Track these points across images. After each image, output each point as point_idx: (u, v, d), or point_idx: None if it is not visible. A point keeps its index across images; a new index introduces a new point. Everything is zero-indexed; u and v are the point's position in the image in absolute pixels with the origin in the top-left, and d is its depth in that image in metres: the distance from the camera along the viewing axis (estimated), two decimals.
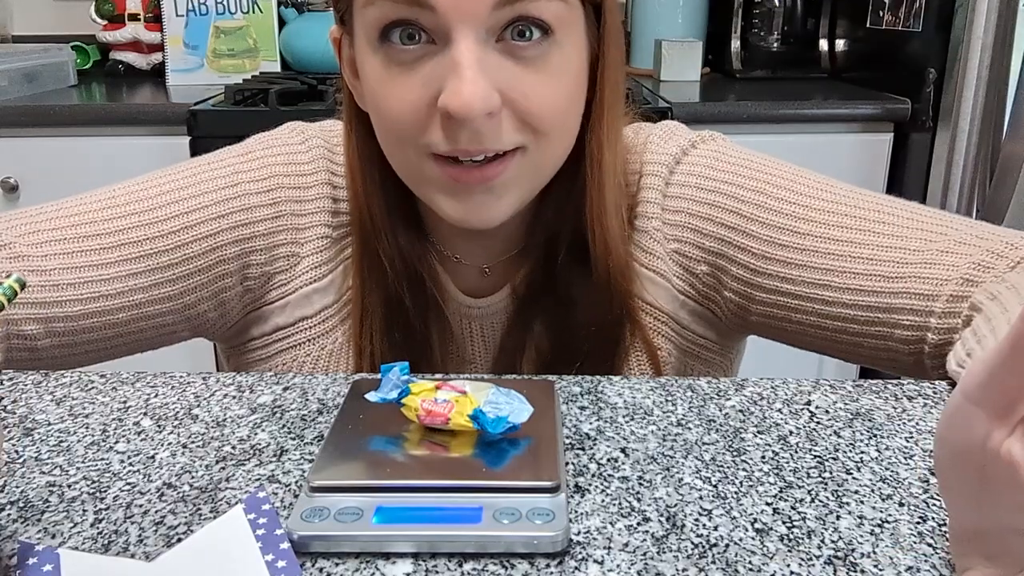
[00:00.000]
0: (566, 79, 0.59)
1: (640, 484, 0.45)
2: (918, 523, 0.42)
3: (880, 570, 0.38)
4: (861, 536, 0.41)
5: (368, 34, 0.58)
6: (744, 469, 0.46)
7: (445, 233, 0.69)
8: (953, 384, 0.55)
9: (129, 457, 0.48)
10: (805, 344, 0.67)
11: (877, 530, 0.41)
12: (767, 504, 0.43)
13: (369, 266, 0.67)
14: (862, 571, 0.38)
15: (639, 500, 0.43)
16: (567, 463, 0.47)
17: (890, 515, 0.42)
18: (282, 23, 1.98)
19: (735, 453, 0.48)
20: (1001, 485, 0.32)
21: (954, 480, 0.35)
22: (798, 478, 0.45)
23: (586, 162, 0.64)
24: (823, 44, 2.02)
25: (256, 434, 0.50)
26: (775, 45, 1.99)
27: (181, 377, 0.58)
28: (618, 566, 0.38)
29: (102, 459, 0.47)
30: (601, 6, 0.61)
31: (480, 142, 0.56)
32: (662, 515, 0.42)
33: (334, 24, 0.67)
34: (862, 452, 0.48)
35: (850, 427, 0.51)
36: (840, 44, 1.99)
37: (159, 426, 0.51)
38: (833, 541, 0.40)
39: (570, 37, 0.59)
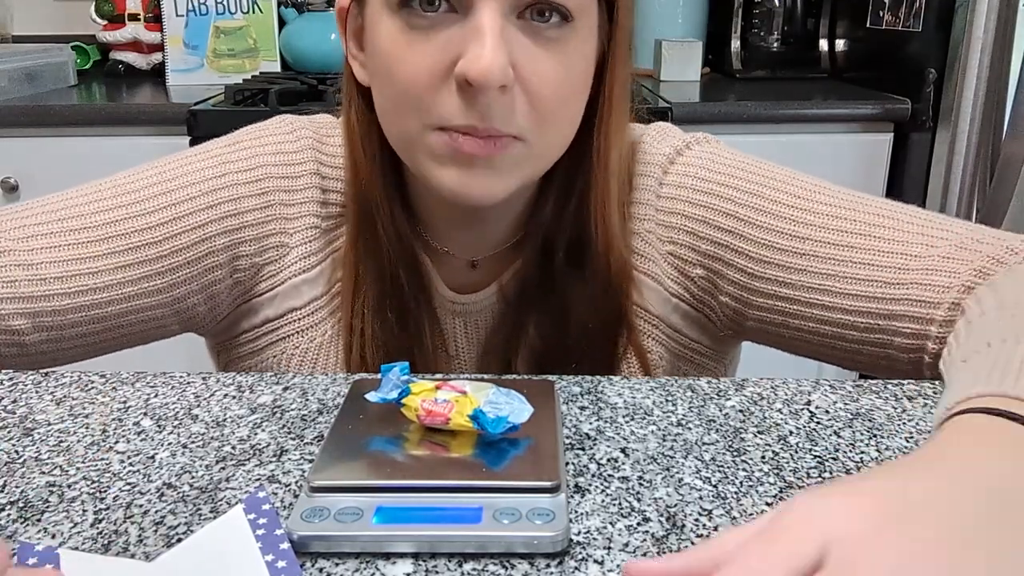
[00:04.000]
0: (577, 67, 0.59)
1: (640, 484, 0.45)
2: None
3: None
4: None
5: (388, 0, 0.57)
6: (744, 469, 0.46)
7: (436, 222, 0.69)
8: None
9: (129, 457, 0.48)
10: (802, 351, 0.66)
11: None
12: (767, 504, 0.43)
13: (365, 243, 0.66)
14: None
15: (639, 500, 0.43)
16: (567, 463, 0.47)
17: None
18: (282, 23, 1.98)
19: (735, 453, 0.48)
20: None
21: None
22: (798, 478, 0.45)
23: (592, 158, 0.64)
24: (823, 44, 2.02)
25: (256, 434, 0.50)
26: (775, 45, 1.99)
27: (181, 377, 0.58)
28: (618, 566, 0.38)
29: (102, 459, 0.47)
30: (615, 4, 0.61)
31: (490, 119, 0.56)
32: (662, 515, 0.42)
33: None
34: (862, 452, 0.48)
35: (850, 427, 0.51)
36: (840, 44, 1.99)
37: (159, 426, 0.51)
38: None
39: (586, 28, 0.59)
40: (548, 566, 0.38)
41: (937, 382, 0.57)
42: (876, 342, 0.61)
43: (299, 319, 0.68)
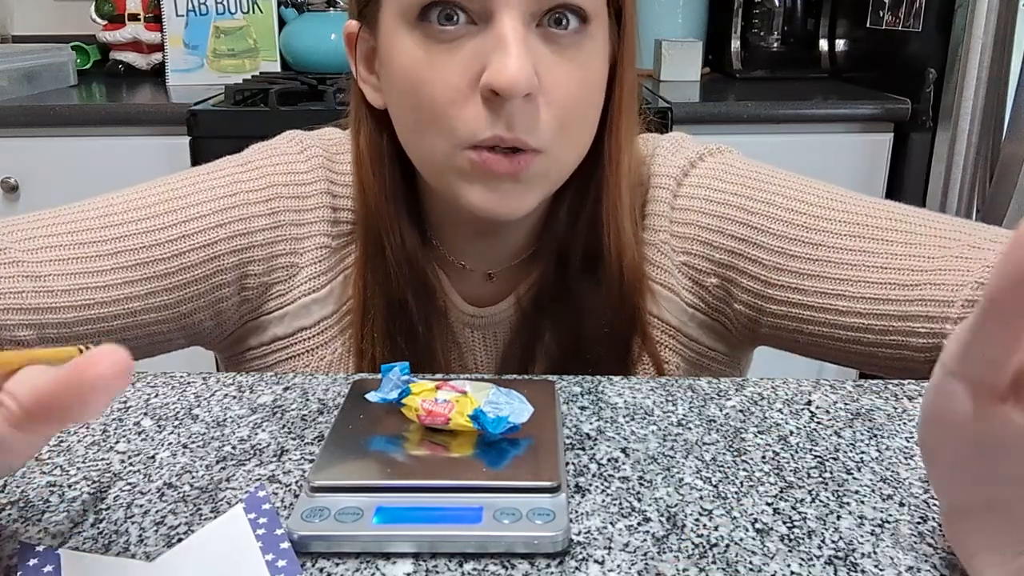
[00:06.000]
0: (594, 72, 0.60)
1: (640, 484, 0.45)
2: (919, 523, 0.42)
3: (880, 570, 0.38)
4: (861, 536, 0.41)
5: (404, 15, 0.57)
6: (744, 469, 0.46)
7: (452, 236, 0.69)
8: None
9: (129, 457, 0.48)
10: (818, 354, 0.66)
11: (877, 530, 0.41)
12: (767, 504, 0.43)
13: (374, 268, 0.66)
14: (862, 571, 0.38)
15: (639, 500, 0.43)
16: (567, 463, 0.47)
17: (890, 515, 0.42)
18: (282, 23, 1.98)
19: (735, 453, 0.48)
20: (1004, 455, 0.31)
21: (944, 458, 0.34)
22: (798, 478, 0.45)
23: (604, 162, 0.64)
24: (823, 44, 2.02)
25: (256, 434, 0.50)
26: (775, 45, 1.99)
27: (181, 377, 0.58)
28: (618, 566, 0.38)
29: (102, 459, 0.48)
30: (622, 8, 0.62)
31: (515, 129, 0.56)
32: (662, 515, 0.42)
33: (349, 20, 0.65)
34: (862, 452, 0.48)
35: (850, 427, 0.51)
36: (840, 44, 1.99)
37: (159, 426, 0.51)
38: (834, 541, 0.40)
39: (599, 32, 0.59)
40: (548, 566, 0.38)
41: None
42: (892, 343, 0.61)
43: (308, 338, 0.68)
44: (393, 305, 0.66)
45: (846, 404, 0.54)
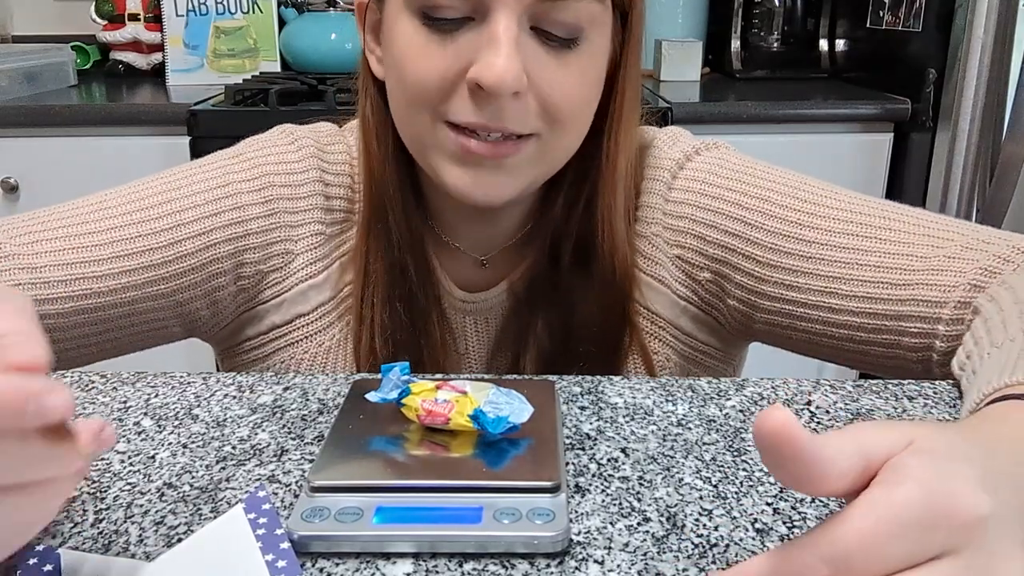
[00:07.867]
0: (589, 74, 0.60)
1: (640, 484, 0.45)
2: None
3: None
4: None
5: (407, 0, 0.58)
6: (744, 469, 0.46)
7: (447, 217, 0.69)
8: (957, 385, 0.55)
9: (129, 457, 0.48)
10: (811, 352, 0.67)
11: None
12: (767, 504, 0.43)
13: (376, 235, 0.67)
14: None
15: (639, 500, 0.43)
16: (567, 463, 0.47)
17: None
18: (282, 23, 1.98)
19: (735, 453, 0.48)
20: None
21: None
22: None
23: (601, 163, 0.65)
24: (823, 44, 2.02)
25: (256, 434, 0.50)
26: (775, 45, 1.99)
27: (181, 377, 0.58)
28: (618, 566, 0.38)
29: (102, 459, 0.47)
30: (628, 14, 0.63)
31: (501, 120, 0.57)
32: (662, 515, 0.42)
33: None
34: None
35: None
36: (840, 44, 1.99)
37: (159, 426, 0.51)
38: None
39: (599, 37, 0.60)
40: (548, 566, 0.38)
41: (938, 383, 0.57)
42: (884, 342, 0.61)
43: (307, 324, 0.69)
44: (394, 270, 0.67)
45: (846, 404, 0.54)
